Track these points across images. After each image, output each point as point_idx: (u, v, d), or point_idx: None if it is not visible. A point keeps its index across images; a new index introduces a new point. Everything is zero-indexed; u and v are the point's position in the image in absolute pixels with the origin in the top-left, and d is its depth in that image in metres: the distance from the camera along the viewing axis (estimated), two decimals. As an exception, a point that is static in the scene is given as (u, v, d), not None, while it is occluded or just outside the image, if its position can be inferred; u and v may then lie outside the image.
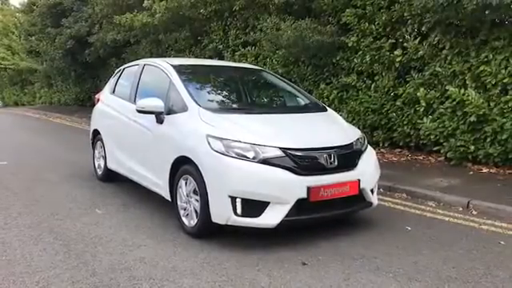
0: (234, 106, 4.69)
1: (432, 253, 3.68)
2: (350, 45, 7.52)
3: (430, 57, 6.48)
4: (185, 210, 4.08)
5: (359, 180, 3.91)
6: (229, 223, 3.62)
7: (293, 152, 3.67)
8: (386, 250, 3.70)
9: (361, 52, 7.45)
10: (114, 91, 6.00)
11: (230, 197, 3.55)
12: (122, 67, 6.25)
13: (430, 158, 6.92)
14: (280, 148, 3.66)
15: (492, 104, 5.87)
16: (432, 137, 6.59)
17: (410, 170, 6.45)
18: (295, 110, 4.74)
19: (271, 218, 3.55)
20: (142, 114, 4.64)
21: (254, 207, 3.56)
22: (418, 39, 6.72)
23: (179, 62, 5.24)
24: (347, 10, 7.55)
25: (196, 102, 4.17)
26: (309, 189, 3.60)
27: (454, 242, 3.96)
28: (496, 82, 5.78)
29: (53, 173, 6.61)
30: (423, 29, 6.51)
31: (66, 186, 5.91)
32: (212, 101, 4.54)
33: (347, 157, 3.94)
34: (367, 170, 4.05)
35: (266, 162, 3.60)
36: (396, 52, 6.96)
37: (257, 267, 3.34)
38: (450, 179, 5.85)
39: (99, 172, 6.19)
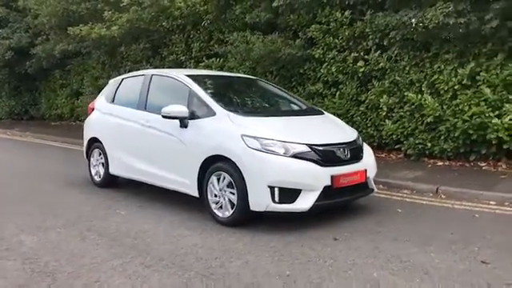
0: (254, 109, 5.28)
1: (430, 225, 4.52)
2: (316, 57, 8.39)
3: (390, 68, 7.49)
4: (216, 203, 4.58)
5: (366, 170, 4.69)
6: (268, 210, 4.20)
7: (316, 147, 4.35)
8: (394, 226, 4.49)
9: (326, 63, 8.34)
10: (113, 100, 6.29)
11: (269, 187, 4.14)
12: (118, 78, 6.56)
13: (391, 155, 7.94)
14: (306, 144, 4.33)
15: (445, 107, 6.98)
16: (394, 137, 7.61)
17: (378, 166, 7.36)
18: (302, 113, 5.43)
19: (304, 203, 4.19)
20: (160, 120, 5.09)
21: (288, 195, 4.18)
22: (378, 52, 7.74)
23: (189, 72, 5.73)
24: (312, 26, 8.42)
25: (223, 107, 4.71)
26: (332, 177, 4.30)
27: (440, 217, 4.86)
28: (448, 89, 6.90)
29: (46, 184, 6.68)
30: (384, 43, 7.52)
31: (69, 193, 6.08)
32: (235, 106, 5.09)
33: (355, 150, 4.71)
34: (369, 162, 4.85)
35: (296, 156, 4.25)
36: (359, 63, 7.92)
37: (300, 244, 3.95)
38: (414, 172, 6.83)
39: (97, 179, 6.41)
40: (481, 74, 6.56)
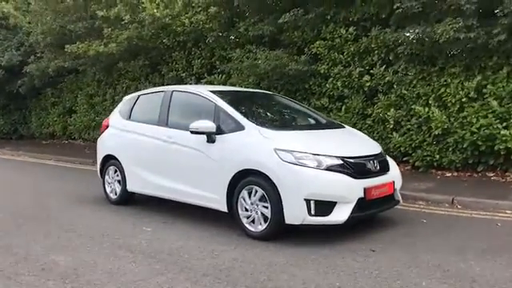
0: (280, 123, 5.33)
1: (458, 234, 4.62)
2: (321, 72, 8.53)
3: (397, 82, 7.67)
4: (248, 217, 4.59)
5: (393, 181, 4.77)
6: (304, 223, 4.23)
7: (348, 160, 4.42)
8: (424, 236, 4.56)
9: (332, 78, 8.48)
10: (130, 117, 6.28)
11: (305, 200, 4.18)
12: (134, 95, 6.55)
13: (399, 167, 8.06)
14: (338, 157, 4.40)
15: (452, 119, 7.16)
16: (401, 149, 7.75)
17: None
18: (324, 127, 5.51)
19: (339, 215, 4.23)
20: (185, 136, 5.13)
21: (324, 207, 4.22)
22: (384, 67, 7.92)
23: (212, 88, 5.78)
24: (317, 42, 8.59)
25: (252, 122, 4.76)
26: (365, 189, 4.37)
27: (465, 226, 4.97)
28: (455, 101, 7.10)
29: (58, 202, 6.58)
30: (390, 58, 7.71)
31: (84, 211, 6.00)
32: (261, 120, 5.13)
33: (383, 163, 4.80)
34: (396, 174, 4.94)
35: (329, 169, 4.31)
36: (364, 78, 8.09)
37: (341, 256, 3.99)
38: (425, 183, 6.96)
39: (113, 196, 6.35)
40: (487, 86, 6.78)
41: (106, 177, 6.48)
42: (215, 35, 9.70)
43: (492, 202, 5.83)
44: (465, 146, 7.00)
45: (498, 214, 5.53)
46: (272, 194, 4.34)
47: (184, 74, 11.12)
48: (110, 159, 6.42)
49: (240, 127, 4.78)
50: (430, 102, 7.41)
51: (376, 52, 7.97)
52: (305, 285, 3.41)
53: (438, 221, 5.25)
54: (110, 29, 11.12)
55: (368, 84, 8.05)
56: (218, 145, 4.86)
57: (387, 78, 7.87)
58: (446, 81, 7.22)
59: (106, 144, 6.54)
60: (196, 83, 10.86)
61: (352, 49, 8.26)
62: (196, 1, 9.56)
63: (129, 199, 6.25)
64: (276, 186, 4.31)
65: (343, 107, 8.46)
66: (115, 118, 6.53)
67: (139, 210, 5.95)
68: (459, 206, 5.92)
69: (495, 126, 6.63)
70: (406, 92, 7.67)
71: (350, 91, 8.36)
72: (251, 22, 9.33)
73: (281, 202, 4.28)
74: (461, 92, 7.04)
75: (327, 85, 8.56)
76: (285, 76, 8.65)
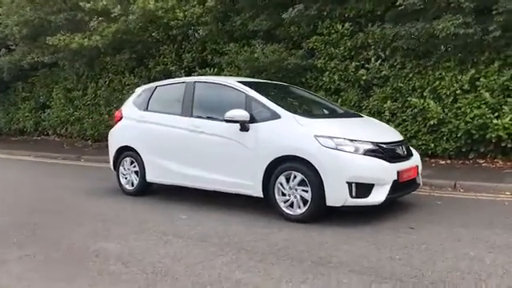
0: (312, 112, 5.54)
1: (478, 213, 5.04)
2: (318, 66, 8.84)
3: (394, 75, 8.10)
4: (285, 202, 4.80)
5: (417, 166, 5.13)
6: (346, 204, 4.49)
7: (381, 145, 4.72)
8: (448, 215, 4.94)
9: (328, 72, 8.80)
10: (147, 108, 6.31)
11: (347, 183, 4.44)
12: (150, 86, 6.60)
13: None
14: (372, 142, 4.69)
15: (446, 110, 7.66)
16: (397, 139, 8.18)
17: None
18: (347, 115, 5.79)
19: (378, 196, 4.53)
20: (214, 125, 5.30)
21: (363, 189, 4.50)
22: (379, 61, 8.33)
23: (239, 79, 5.91)
24: (314, 37, 8.89)
25: (288, 111, 4.96)
26: (398, 172, 4.69)
27: (479, 206, 5.41)
28: (449, 93, 7.59)
29: (70, 196, 6.51)
30: (387, 53, 8.12)
31: (103, 203, 6.02)
32: (295, 109, 5.33)
33: (408, 148, 5.14)
34: (418, 159, 5.30)
35: (366, 153, 4.59)
36: (360, 72, 8.47)
37: (385, 233, 4.28)
38: (424, 170, 7.31)
39: (129, 187, 6.37)
40: (480, 79, 7.30)
41: (121, 168, 6.48)
42: (209, 29, 9.77)
43: (492, 184, 6.32)
44: (459, 135, 7.50)
45: (500, 195, 6.00)
46: (313, 179, 4.56)
47: (173, 68, 11.10)
48: (125, 151, 6.43)
49: (276, 116, 4.96)
50: (425, 94, 7.87)
51: (372, 47, 8.35)
52: (366, 258, 3.66)
53: (451, 202, 5.66)
54: (96, 21, 10.91)
55: (364, 77, 8.42)
56: (252, 133, 5.02)
57: (383, 72, 8.27)
58: (440, 74, 7.70)
59: (120, 136, 6.53)
60: (187, 76, 10.89)
61: (349, 44, 8.60)
62: (193, -6, 9.61)
63: (146, 190, 6.29)
64: (317, 171, 4.53)
65: (339, 100, 8.80)
66: (130, 110, 6.53)
67: (162, 200, 6.03)
68: (461, 190, 6.37)
69: (488, 116, 7.16)
70: (402, 85, 8.11)
71: (347, 84, 8.71)
72: (247, 16, 9.48)
73: (322, 185, 4.51)
74: (455, 84, 7.54)
75: (324, 78, 8.86)
76: (283, 70, 8.87)
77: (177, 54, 11.11)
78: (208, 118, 5.53)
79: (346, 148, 4.56)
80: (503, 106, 7.14)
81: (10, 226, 4.99)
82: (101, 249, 4.14)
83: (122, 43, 11.70)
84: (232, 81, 5.60)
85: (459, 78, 7.51)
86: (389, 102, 8.17)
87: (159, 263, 3.73)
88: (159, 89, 6.37)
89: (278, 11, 9.27)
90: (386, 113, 8.22)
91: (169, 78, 11.14)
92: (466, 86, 7.42)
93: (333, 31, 8.77)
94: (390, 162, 4.68)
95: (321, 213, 4.64)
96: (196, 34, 10.22)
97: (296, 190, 4.71)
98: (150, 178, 6.10)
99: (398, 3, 7.28)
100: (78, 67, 13.15)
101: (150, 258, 3.85)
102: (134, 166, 6.30)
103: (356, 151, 4.57)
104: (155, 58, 11.62)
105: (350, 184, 4.45)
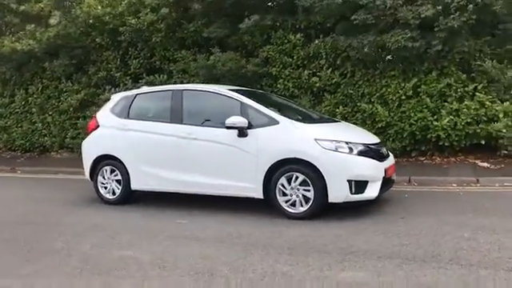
0: (302, 118, 5.89)
1: (446, 203, 5.80)
2: (273, 73, 9.33)
3: (345, 83, 8.85)
4: (286, 202, 5.17)
5: (394, 164, 5.79)
6: (346, 200, 4.99)
7: (370, 146, 5.30)
8: (424, 205, 5.65)
9: (282, 79, 9.32)
10: (128, 116, 6.27)
11: (347, 181, 4.93)
12: (128, 94, 6.57)
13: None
14: (363, 144, 5.25)
15: (392, 114, 8.56)
16: (349, 141, 8.94)
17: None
18: (329, 121, 6.32)
19: (372, 192, 5.08)
20: (208, 132, 5.56)
21: (360, 186, 5.02)
22: (330, 70, 9.04)
23: (229, 87, 6.11)
24: (267, 47, 9.37)
25: (285, 117, 5.34)
26: (385, 170, 5.29)
27: (439, 197, 6.22)
28: (395, 99, 8.50)
29: (54, 208, 6.27)
30: (338, 62, 8.85)
31: (96, 213, 5.93)
32: (288, 115, 5.67)
33: (386, 149, 5.79)
34: (393, 158, 5.97)
35: (360, 154, 5.14)
36: (313, 79, 9.11)
37: (385, 224, 4.84)
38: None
39: (110, 196, 6.31)
40: (422, 87, 8.29)
41: (100, 178, 6.36)
42: (162, 36, 9.76)
43: (440, 178, 7.27)
44: (404, 135, 8.43)
45: (449, 187, 6.94)
46: (315, 178, 4.99)
47: (118, 74, 10.87)
48: (103, 160, 6.33)
49: (274, 122, 5.31)
50: (373, 99, 8.72)
51: (324, 56, 9.04)
52: (382, 246, 4.15)
53: (415, 195, 6.43)
54: (33, 25, 10.34)
55: (317, 84, 9.07)
56: (251, 138, 5.32)
57: (334, 80, 8.99)
58: (386, 82, 8.59)
59: (98, 144, 6.41)
60: (132, 83, 10.73)
61: (302, 53, 9.20)
62: (148, 1, 9.51)
63: (129, 198, 6.26)
64: (320, 171, 4.97)
65: (293, 106, 9.35)
66: (107, 118, 6.44)
67: (149, 208, 6.04)
68: (415, 184, 7.24)
69: (428, 119, 8.16)
70: (352, 91, 8.88)
71: (300, 91, 9.28)
72: (199, 24, 9.66)
73: (325, 184, 4.96)
74: (400, 91, 8.46)
75: (278, 85, 9.36)
76: (240, 77, 9.20)
77: (122, 60, 10.89)
78: (201, 124, 5.70)
79: (343, 149, 5.06)
80: (441, 110, 8.18)
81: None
82: (124, 257, 4.16)
83: (58, 48, 11.17)
84: (223, 89, 5.84)
85: (403, 85, 8.45)
86: (340, 107, 8.89)
87: (197, 264, 3.89)
88: (140, 96, 6.38)
89: (230, 20, 9.60)
90: (338, 117, 8.93)
91: (112, 84, 10.96)
92: (410, 93, 8.37)
93: (286, 41, 9.32)
94: (379, 160, 5.27)
95: (322, 210, 5.08)
96: (146, 41, 10.08)
97: (298, 189, 5.10)
98: (135, 185, 6.09)
99: (352, 17, 8.01)
100: (3, 72, 12.23)
101: (184, 261, 3.98)
102: (116, 175, 6.23)
103: (351, 152, 5.09)
104: (95, 64, 11.27)
105: (350, 182, 4.95)
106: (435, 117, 8.21)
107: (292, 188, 5.12)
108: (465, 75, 8.10)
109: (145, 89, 6.65)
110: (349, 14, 8.46)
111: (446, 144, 8.26)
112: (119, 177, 6.20)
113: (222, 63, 8.91)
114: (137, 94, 6.44)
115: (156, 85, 10.18)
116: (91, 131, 6.56)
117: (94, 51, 11.20)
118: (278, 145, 5.22)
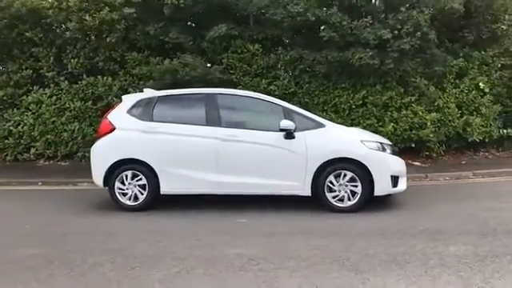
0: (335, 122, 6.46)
1: (441, 194, 7.01)
2: (234, 80, 9.67)
3: (302, 92, 9.69)
4: (334, 197, 5.73)
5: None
6: (388, 193, 5.78)
7: (391, 146, 6.21)
8: (425, 197, 6.75)
9: (241, 86, 9.72)
10: (152, 118, 6.05)
11: (391, 176, 5.74)
12: (150, 96, 6.28)
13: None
14: (389, 144, 6.14)
15: (343, 121, 9.67)
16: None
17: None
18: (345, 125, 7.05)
19: (403, 185, 5.96)
20: (253, 134, 5.88)
21: (395, 181, 5.86)
22: (287, 79, 9.80)
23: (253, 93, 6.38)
24: (229, 54, 9.69)
25: (329, 121, 5.92)
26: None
27: (430, 190, 7.44)
28: (346, 108, 9.66)
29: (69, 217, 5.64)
30: (296, 73, 9.66)
31: (118, 221, 5.58)
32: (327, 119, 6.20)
33: (393, 148, 6.80)
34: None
35: (391, 153, 6.00)
36: (271, 87, 9.74)
37: (413, 214, 5.76)
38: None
39: (130, 203, 6.00)
40: (369, 97, 9.62)
41: (117, 184, 5.97)
42: (119, 36, 9.23)
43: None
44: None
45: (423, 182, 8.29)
46: (362, 175, 5.67)
47: (50, 74, 9.85)
48: (123, 164, 5.97)
49: (320, 125, 5.85)
50: (326, 108, 9.74)
51: (282, 67, 9.76)
52: (439, 232, 5.01)
53: (408, 189, 7.40)
54: None
55: (276, 93, 9.71)
56: (299, 140, 5.74)
57: (291, 89, 9.77)
58: (339, 93, 9.70)
59: (117, 148, 6.00)
60: (70, 83, 9.88)
61: (261, 62, 9.76)
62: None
63: (154, 204, 6.04)
64: (367, 168, 5.66)
65: (251, 112, 9.82)
66: (125, 120, 6.09)
67: (179, 212, 5.97)
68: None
69: (375, 125, 9.52)
70: (307, 100, 9.77)
71: (258, 98, 9.81)
72: (157, 27, 9.45)
73: (372, 180, 5.67)
74: (350, 101, 9.66)
75: (239, 92, 9.73)
76: (204, 82, 9.27)
77: (57, 59, 9.90)
78: (244, 127, 5.92)
79: (381, 149, 5.85)
80: (385, 118, 9.61)
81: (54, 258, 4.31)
82: (241, 254, 4.23)
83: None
84: (260, 94, 6.21)
85: (353, 96, 9.67)
86: (298, 114, 9.69)
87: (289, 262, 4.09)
88: (165, 99, 6.22)
89: (186, 25, 9.65)
90: (294, 123, 9.72)
91: (40, 84, 9.89)
92: (359, 103, 9.62)
93: (245, 50, 9.76)
94: (402, 158, 6.22)
95: (366, 203, 5.77)
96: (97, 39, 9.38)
97: (346, 186, 5.70)
98: (165, 189, 5.92)
99: (321, 34, 8.91)
100: None
101: (308, 252, 4.26)
102: (140, 179, 5.94)
103: (385, 151, 5.91)
104: (17, 61, 10.00)
105: (392, 177, 5.76)
106: (380, 123, 9.59)
107: (340, 184, 5.70)
108: (403, 89, 9.69)
109: (167, 92, 6.43)
110: (305, 30, 9.38)
111: (389, 147, 9.71)
112: (143, 181, 5.93)
113: (190, 68, 8.89)
114: (159, 97, 6.22)
115: (98, 86, 9.69)
116: (103, 134, 6.09)
117: (16, 46, 9.93)
118: (327, 146, 5.75)
